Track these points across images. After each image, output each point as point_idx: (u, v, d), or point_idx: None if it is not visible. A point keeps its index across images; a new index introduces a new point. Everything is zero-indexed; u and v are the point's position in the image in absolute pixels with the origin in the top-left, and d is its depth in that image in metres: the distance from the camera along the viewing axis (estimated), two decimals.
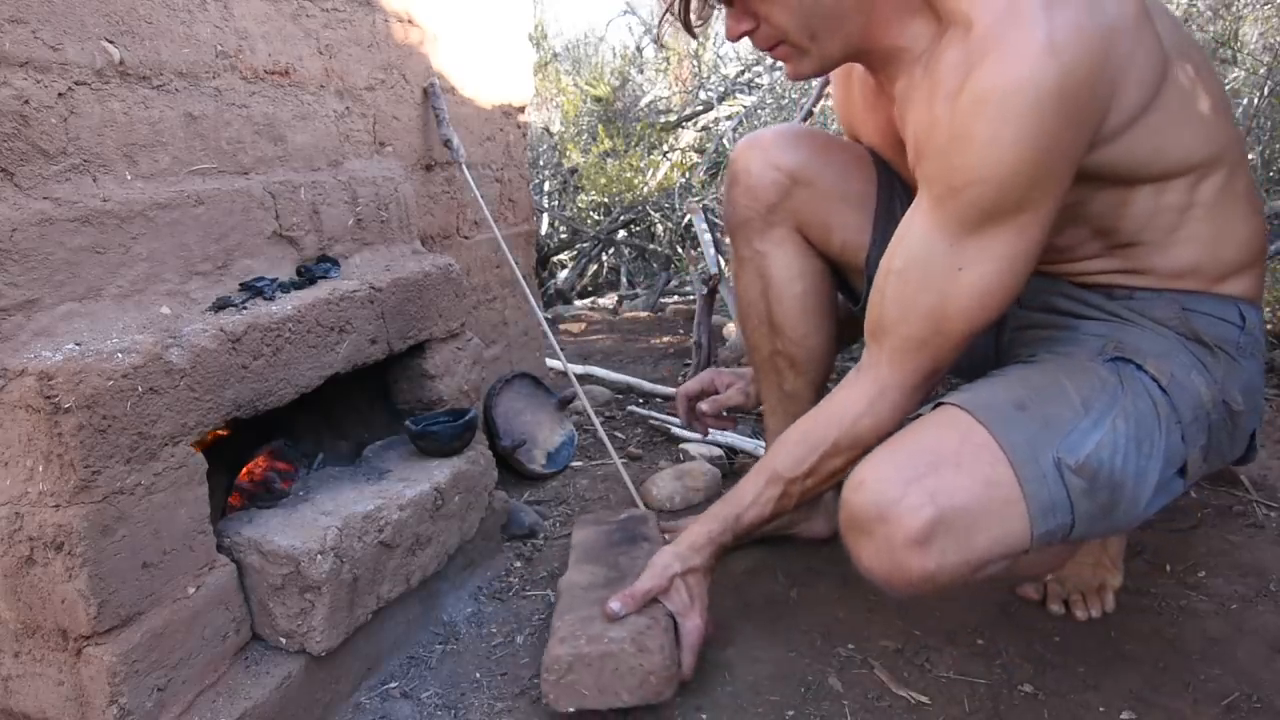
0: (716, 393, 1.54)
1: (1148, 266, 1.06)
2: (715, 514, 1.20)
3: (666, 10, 1.08)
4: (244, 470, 1.23)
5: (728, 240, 1.47)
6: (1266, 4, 3.46)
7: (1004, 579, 1.10)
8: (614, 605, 1.13)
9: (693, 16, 1.07)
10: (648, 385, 2.45)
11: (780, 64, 1.14)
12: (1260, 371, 1.09)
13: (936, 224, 0.97)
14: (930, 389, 1.07)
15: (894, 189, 1.30)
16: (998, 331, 1.25)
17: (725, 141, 4.06)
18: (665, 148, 4.51)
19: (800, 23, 1.03)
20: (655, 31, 1.17)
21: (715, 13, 1.09)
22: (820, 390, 1.44)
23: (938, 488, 0.92)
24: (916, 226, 1.00)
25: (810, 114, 2.61)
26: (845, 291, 1.42)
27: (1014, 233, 0.94)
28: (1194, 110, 0.99)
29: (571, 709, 1.07)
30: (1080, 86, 0.88)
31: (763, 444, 1.90)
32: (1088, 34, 0.88)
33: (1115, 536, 1.30)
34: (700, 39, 1.31)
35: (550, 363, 2.39)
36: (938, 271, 0.98)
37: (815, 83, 2.84)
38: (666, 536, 1.44)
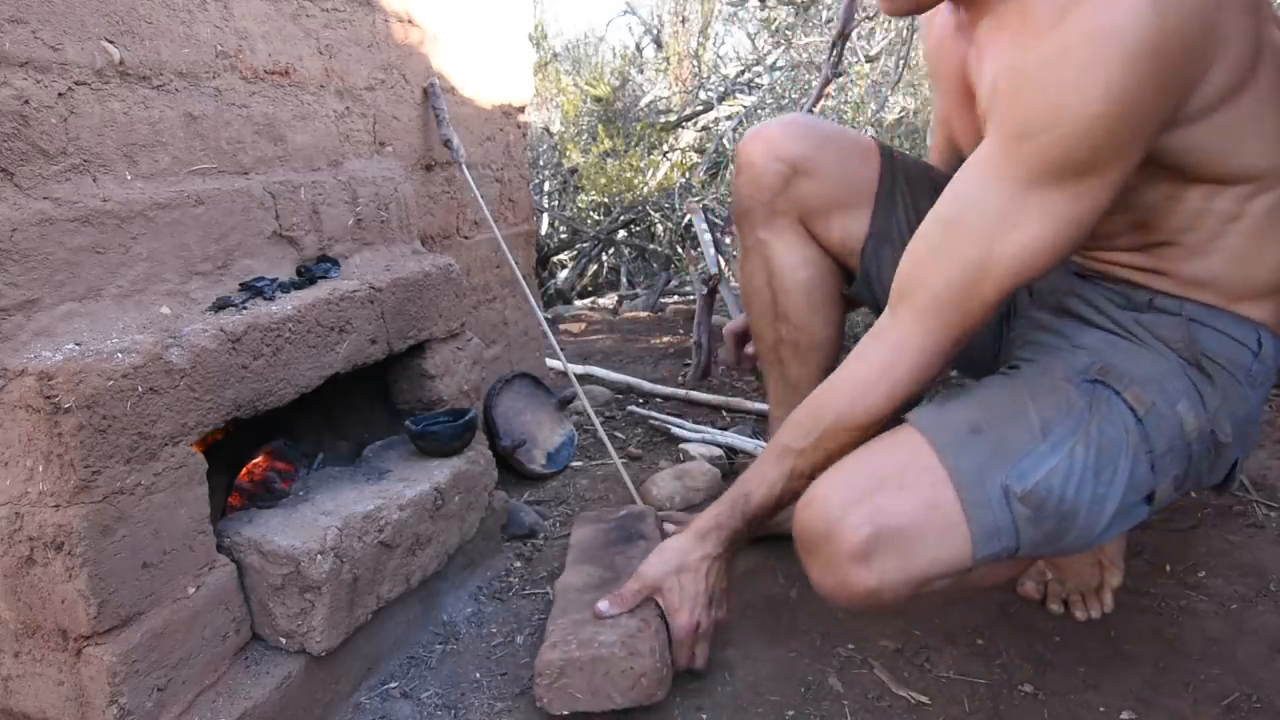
0: None
1: (1175, 270, 1.03)
2: (724, 497, 1.17)
3: None
4: (244, 470, 1.23)
5: (728, 239, 1.47)
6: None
7: (958, 591, 1.08)
8: (602, 606, 1.13)
9: None
10: (648, 385, 2.45)
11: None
12: (1261, 404, 1.06)
13: (1000, 171, 0.92)
14: (948, 362, 1.01)
15: (896, 180, 1.30)
16: (1003, 328, 1.24)
17: (725, 141, 4.06)
18: (665, 148, 4.51)
19: None
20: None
21: None
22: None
23: (878, 508, 0.94)
24: (977, 172, 0.94)
25: (810, 114, 2.61)
26: (850, 283, 1.41)
27: (1076, 195, 0.88)
28: (1269, 119, 0.95)
29: (565, 712, 1.08)
30: (1179, 44, 0.83)
31: (761, 444, 1.90)
32: None
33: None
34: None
35: (550, 363, 2.39)
36: (991, 222, 0.92)
37: (815, 83, 2.84)
38: (669, 528, 1.44)
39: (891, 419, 1.03)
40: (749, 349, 1.52)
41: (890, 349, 1.01)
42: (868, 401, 1.02)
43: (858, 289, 1.33)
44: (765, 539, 1.48)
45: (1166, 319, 1.03)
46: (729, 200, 3.48)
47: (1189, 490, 1.10)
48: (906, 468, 0.96)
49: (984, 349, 1.25)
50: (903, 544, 0.94)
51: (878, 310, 1.33)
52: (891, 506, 0.94)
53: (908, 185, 1.30)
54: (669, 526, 1.46)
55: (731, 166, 3.96)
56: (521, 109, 2.14)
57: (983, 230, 0.93)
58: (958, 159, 1.08)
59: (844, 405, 1.04)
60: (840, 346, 1.43)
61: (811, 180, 1.30)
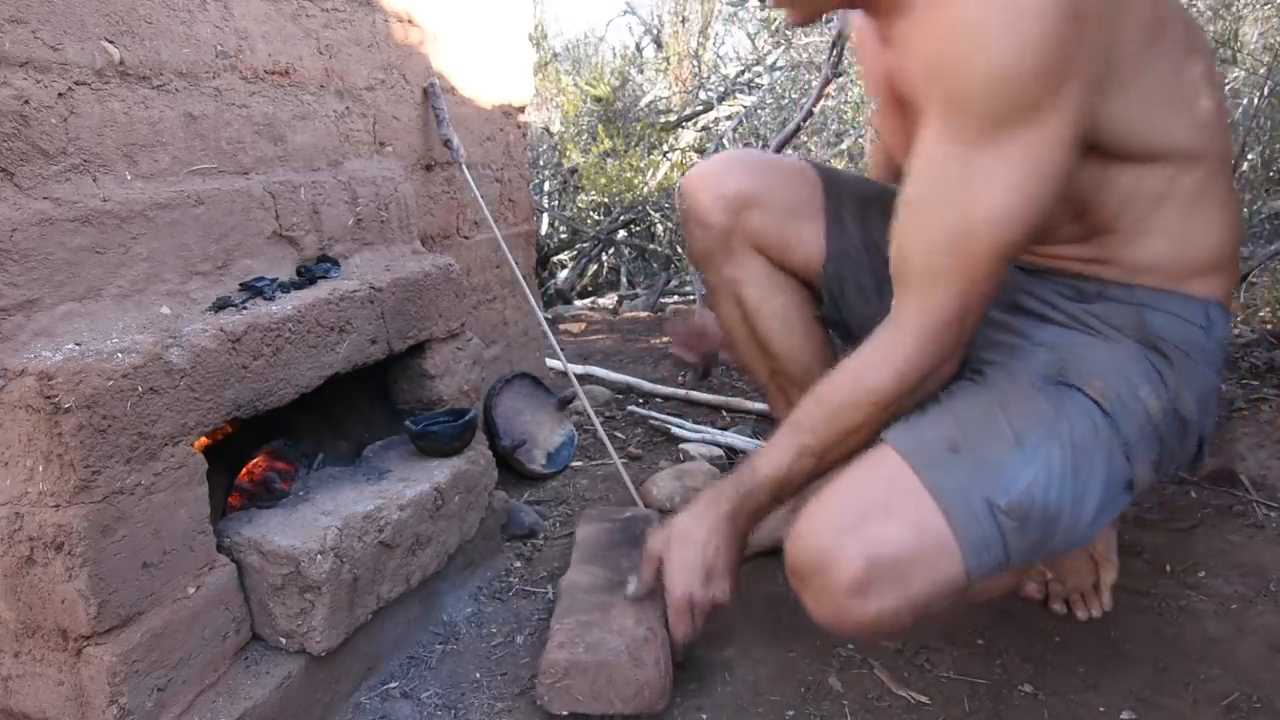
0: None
1: (1118, 257, 1.04)
2: (730, 473, 1.15)
3: None
4: (244, 470, 1.24)
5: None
6: (1266, 4, 3.46)
7: (957, 608, 1.08)
8: (631, 590, 1.20)
9: None
10: (648, 385, 2.45)
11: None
12: (1217, 379, 1.08)
13: (947, 138, 0.92)
14: (959, 344, 0.99)
15: (841, 198, 1.32)
16: None
17: (725, 141, 4.06)
18: (665, 148, 4.51)
19: None
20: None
21: None
22: None
23: (870, 538, 0.93)
24: (926, 150, 0.95)
25: (810, 114, 2.61)
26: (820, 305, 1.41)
27: (1028, 142, 0.88)
28: (1187, 96, 0.97)
29: (565, 712, 1.09)
30: None
31: (762, 445, 1.90)
32: None
33: (1105, 531, 1.29)
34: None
35: (550, 363, 2.39)
36: (954, 185, 0.92)
37: (815, 83, 2.84)
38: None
39: (906, 400, 1.01)
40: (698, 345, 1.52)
41: (895, 328, 1.00)
42: (877, 376, 1.00)
43: (827, 311, 1.34)
44: (775, 550, 1.49)
45: (1117, 307, 1.05)
46: None
47: (1167, 472, 1.12)
48: (891, 493, 0.96)
49: None
50: (897, 572, 0.93)
51: (847, 332, 1.34)
52: (882, 535, 0.94)
53: (852, 200, 1.31)
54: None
55: None
56: (521, 109, 2.14)
57: (949, 198, 0.93)
58: (896, 173, 1.07)
59: (853, 383, 1.03)
60: (831, 363, 1.43)
61: (760, 211, 1.31)
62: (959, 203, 0.93)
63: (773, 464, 1.07)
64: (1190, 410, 1.03)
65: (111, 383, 0.88)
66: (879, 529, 0.94)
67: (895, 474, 0.97)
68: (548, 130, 5.40)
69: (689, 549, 1.11)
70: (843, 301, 1.29)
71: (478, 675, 1.23)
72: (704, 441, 1.99)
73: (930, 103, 0.94)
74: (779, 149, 2.86)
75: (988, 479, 0.95)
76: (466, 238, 1.89)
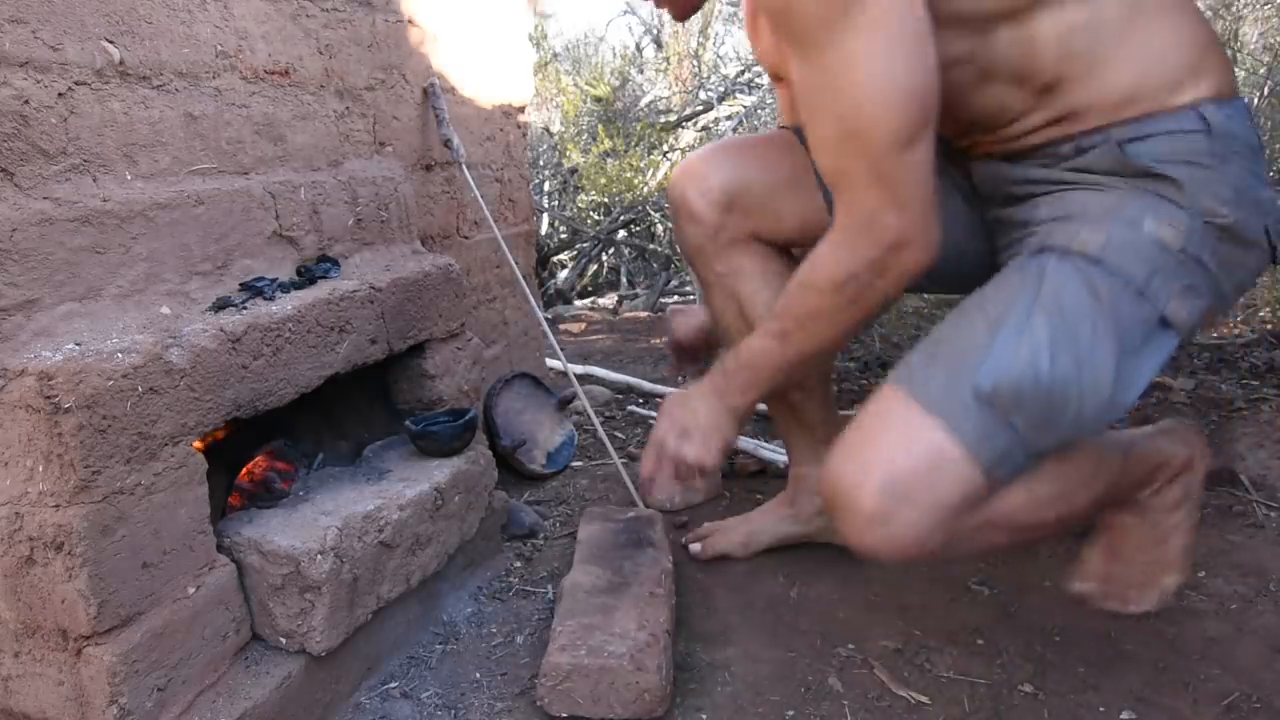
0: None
1: (1081, 105, 1.01)
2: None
3: None
4: (244, 470, 1.23)
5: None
6: (1266, 4, 3.46)
7: (1015, 539, 1.06)
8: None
9: None
10: (648, 385, 2.45)
11: None
12: (1251, 169, 1.01)
13: (801, 57, 0.96)
14: (902, 228, 0.99)
15: None
16: (990, 240, 1.23)
17: None
18: (665, 148, 4.51)
19: None
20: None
21: None
22: (826, 384, 1.44)
23: (867, 461, 0.96)
24: (795, 78, 0.98)
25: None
26: None
27: (858, 28, 0.90)
28: None
29: (565, 715, 1.09)
30: None
31: (761, 443, 1.90)
32: None
33: (1177, 534, 1.23)
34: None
35: (550, 363, 2.39)
36: (824, 94, 0.96)
37: None
38: (691, 544, 1.50)
39: (865, 288, 1.03)
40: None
41: (835, 228, 1.03)
42: (825, 265, 1.04)
43: None
44: (774, 549, 1.50)
45: (1095, 153, 1.02)
46: None
47: (1240, 289, 1.06)
48: (886, 418, 0.99)
49: (975, 266, 1.24)
50: (903, 488, 0.94)
51: None
52: (879, 456, 0.96)
53: None
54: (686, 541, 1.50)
55: None
56: (521, 109, 2.14)
57: (824, 107, 0.96)
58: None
59: (809, 272, 1.06)
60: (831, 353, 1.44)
61: (748, 197, 1.31)
62: (830, 107, 0.95)
63: (746, 346, 1.14)
64: (1223, 214, 0.97)
65: (111, 383, 0.88)
66: (875, 451, 0.97)
67: (884, 399, 1.00)
68: (548, 130, 5.40)
69: (675, 410, 1.18)
70: None
71: (478, 675, 1.23)
72: None
73: (780, 38, 0.98)
74: None
75: (969, 371, 0.95)
76: (466, 238, 1.89)
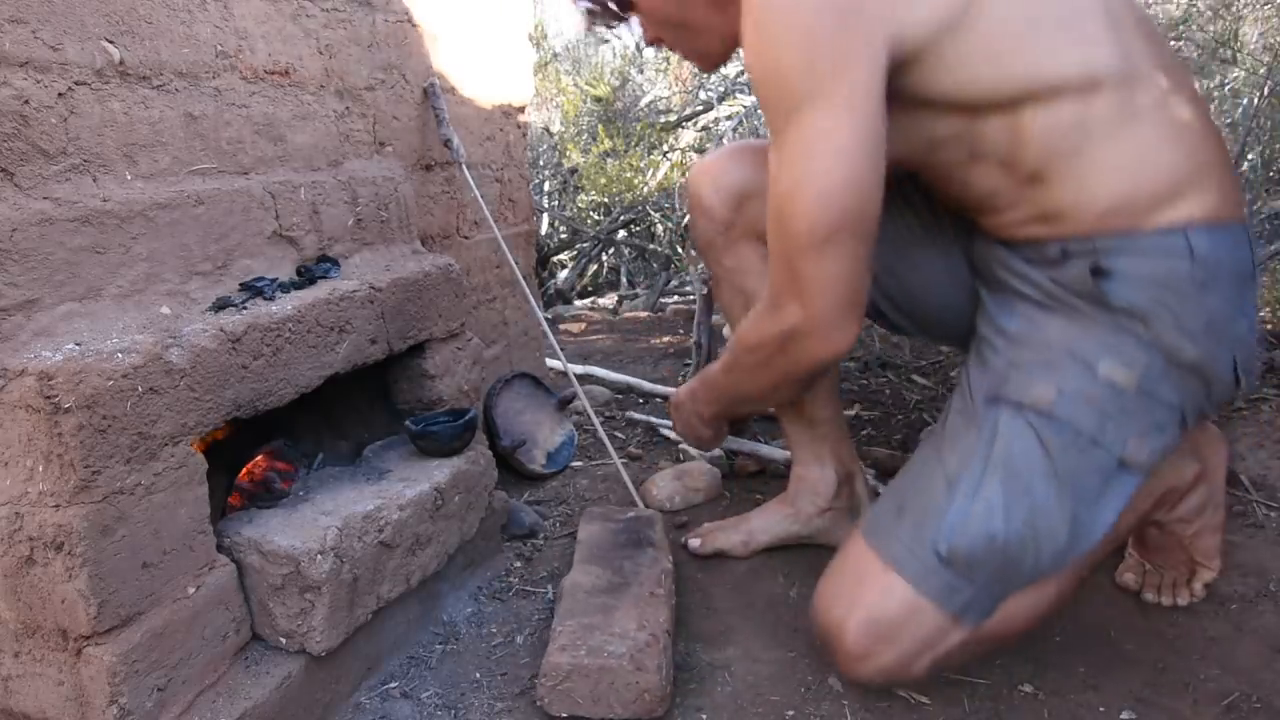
0: None
1: (1066, 206, 1.01)
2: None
3: (588, 13, 1.22)
4: (244, 470, 1.23)
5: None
6: (1266, 4, 3.46)
7: (1002, 642, 1.12)
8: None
9: (607, 24, 1.23)
10: (648, 385, 2.45)
11: None
12: (1234, 299, 1.00)
13: (769, 124, 1.02)
14: (812, 315, 1.05)
15: None
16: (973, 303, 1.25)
17: (725, 141, 4.06)
18: (665, 148, 4.51)
19: (675, 36, 1.18)
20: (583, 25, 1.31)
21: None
22: (832, 383, 1.45)
23: (849, 608, 1.05)
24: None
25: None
26: None
27: (805, 128, 0.95)
28: (1036, 26, 0.97)
29: (565, 715, 1.09)
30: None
31: (759, 443, 1.90)
32: None
33: (1203, 536, 1.28)
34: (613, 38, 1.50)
35: (550, 363, 2.39)
36: (774, 165, 1.01)
37: None
38: (690, 539, 1.53)
39: (759, 349, 1.15)
40: None
41: (765, 300, 1.12)
42: (746, 319, 1.18)
43: None
44: (774, 549, 1.50)
45: (1072, 268, 1.02)
46: None
47: (1203, 416, 1.08)
48: (859, 568, 1.08)
49: (956, 321, 1.27)
50: (883, 632, 1.03)
51: (872, 308, 1.36)
52: (860, 604, 1.05)
53: None
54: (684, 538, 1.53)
55: None
56: (521, 109, 2.14)
57: (771, 175, 1.03)
58: None
59: (745, 325, 1.19)
60: None
61: (760, 199, 1.31)
62: (771, 185, 1.02)
63: (711, 367, 1.33)
64: (1188, 352, 0.98)
65: (111, 383, 0.88)
66: (857, 598, 1.06)
67: (860, 551, 1.09)
68: (548, 130, 5.40)
69: (678, 395, 1.45)
70: None
71: (478, 675, 1.23)
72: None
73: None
74: None
75: (929, 530, 1.02)
76: (466, 238, 1.89)
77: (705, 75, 4.92)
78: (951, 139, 1.04)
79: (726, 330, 2.91)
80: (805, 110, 0.95)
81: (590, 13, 1.24)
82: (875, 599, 1.04)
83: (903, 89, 0.99)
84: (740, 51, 1.11)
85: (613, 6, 1.20)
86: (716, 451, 1.93)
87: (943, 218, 1.26)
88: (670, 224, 4.38)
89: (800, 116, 0.95)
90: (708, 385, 1.35)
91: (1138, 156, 0.97)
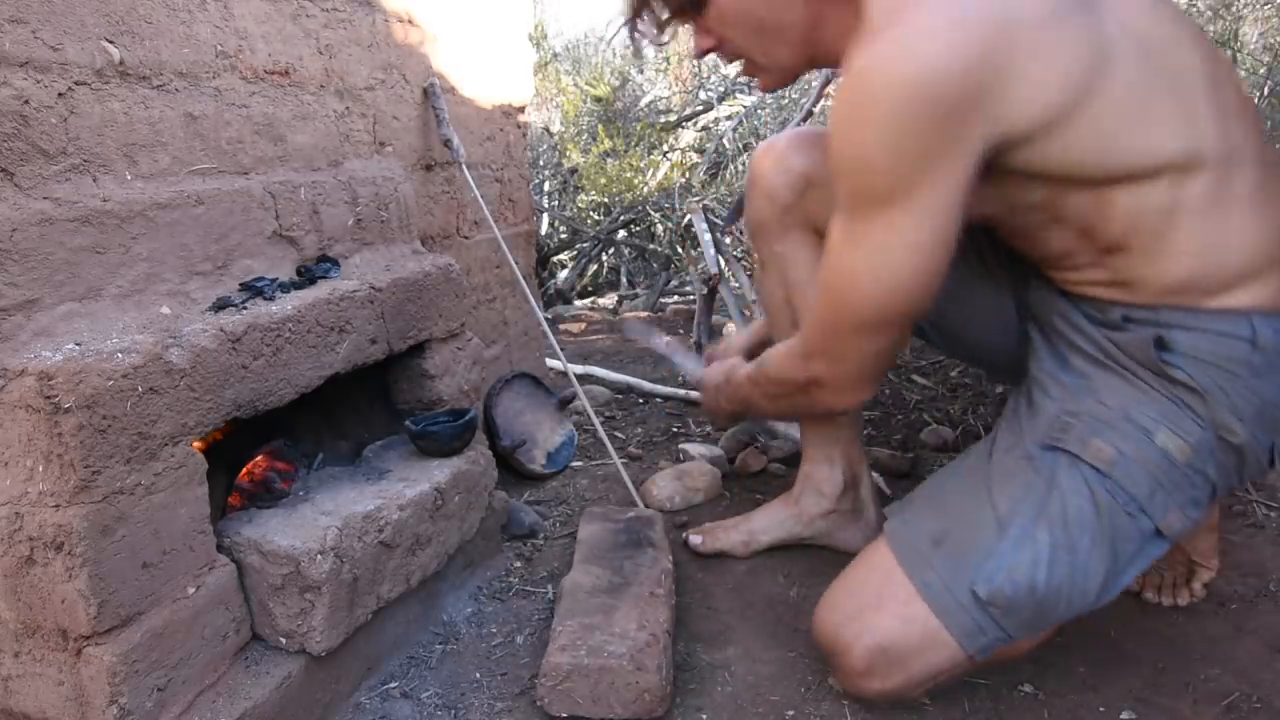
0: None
1: (1139, 278, 1.01)
2: (739, 367, 1.39)
3: (632, 21, 1.15)
4: (244, 470, 1.23)
5: (728, 239, 1.52)
6: (1266, 4, 3.46)
7: (1001, 660, 1.13)
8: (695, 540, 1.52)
9: (657, 32, 1.14)
10: (647, 385, 2.45)
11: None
12: None
13: (837, 206, 1.01)
14: (835, 379, 1.11)
15: None
16: (1020, 341, 1.24)
17: (725, 141, 4.06)
18: (665, 148, 4.51)
19: (750, 42, 1.10)
20: (626, 38, 1.25)
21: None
22: None
23: (863, 628, 1.05)
24: (835, 215, 1.03)
25: (810, 114, 2.61)
26: None
27: (884, 226, 0.95)
28: (1151, 104, 0.94)
29: (565, 715, 1.09)
30: (948, 80, 0.87)
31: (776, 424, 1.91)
32: (966, 27, 0.87)
33: (1205, 533, 1.29)
34: (667, 46, 1.40)
35: (550, 363, 2.39)
36: (830, 251, 1.02)
37: (815, 82, 2.84)
38: (692, 536, 1.53)
39: (783, 385, 1.21)
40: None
41: (796, 339, 1.16)
42: (776, 349, 1.24)
43: None
44: (775, 549, 1.50)
45: (1135, 336, 1.02)
46: (729, 200, 3.48)
47: (1229, 491, 1.11)
48: (883, 588, 1.07)
49: (1004, 355, 1.27)
50: (894, 657, 1.04)
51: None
52: (874, 626, 1.05)
53: None
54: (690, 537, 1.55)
55: (730, 167, 3.96)
56: (521, 109, 2.14)
57: (827, 256, 1.03)
58: None
59: (771, 352, 1.26)
60: None
61: (824, 190, 1.28)
62: (833, 258, 1.03)
63: (742, 372, 1.34)
64: (1237, 435, 0.99)
65: (111, 383, 0.88)
66: (871, 620, 1.06)
67: (886, 571, 1.08)
68: (548, 130, 5.40)
69: (712, 373, 1.48)
70: None
71: (478, 675, 1.23)
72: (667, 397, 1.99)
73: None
74: None
75: (970, 569, 1.02)
76: (466, 238, 1.89)
77: (705, 75, 4.92)
78: (1036, 206, 1.02)
79: (728, 328, 2.92)
80: (887, 207, 0.94)
81: (648, 9, 1.13)
82: (893, 625, 1.04)
83: (997, 164, 0.96)
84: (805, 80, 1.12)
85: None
86: (718, 451, 1.93)
87: (999, 255, 1.24)
88: (670, 224, 4.38)
89: (880, 211, 0.94)
90: (733, 387, 1.37)
91: (1219, 240, 0.97)
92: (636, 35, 1.16)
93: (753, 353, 1.51)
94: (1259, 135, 1.02)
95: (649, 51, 5.50)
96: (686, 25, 1.13)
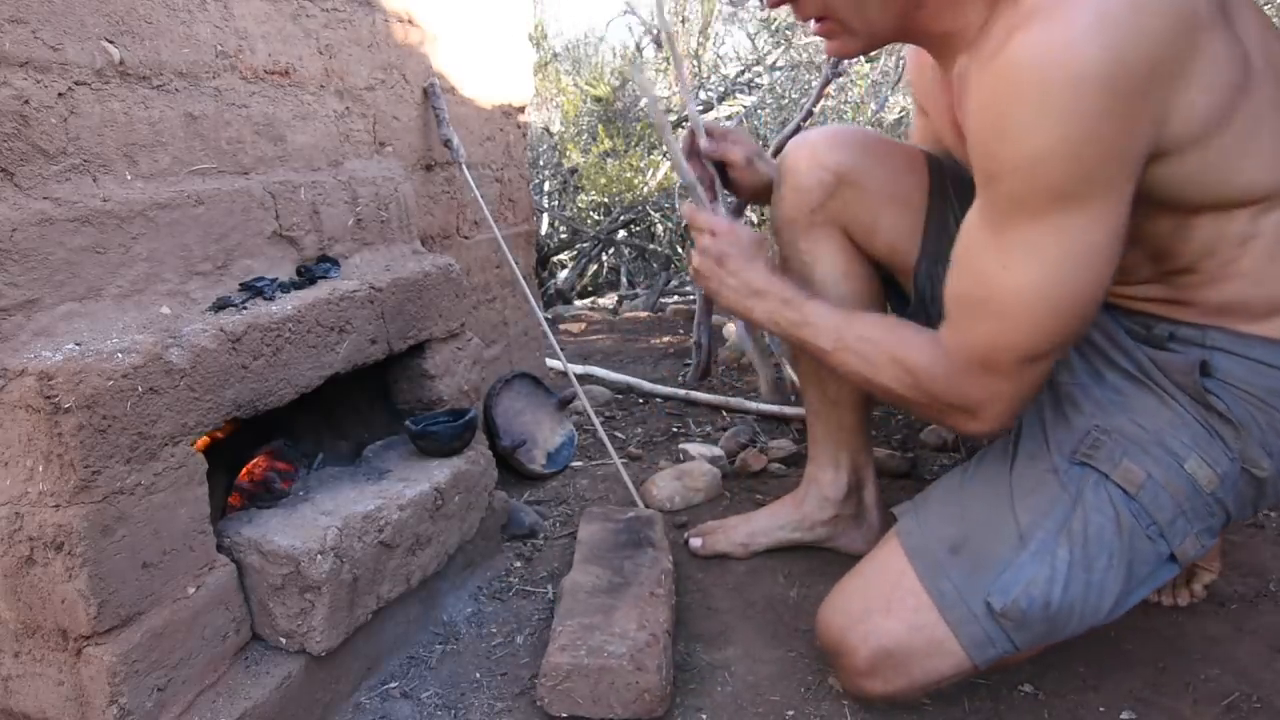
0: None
1: (1196, 299, 1.00)
2: (784, 284, 1.17)
3: None
4: (244, 470, 1.23)
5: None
6: (1267, 4, 3.45)
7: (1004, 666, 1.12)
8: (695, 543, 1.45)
9: None
10: (647, 385, 2.45)
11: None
12: None
13: (981, 212, 0.92)
14: (983, 398, 0.99)
15: (947, 192, 1.28)
16: None
17: None
18: (665, 148, 4.51)
19: None
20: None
21: None
22: (865, 398, 1.41)
23: (869, 631, 1.05)
24: (970, 213, 0.95)
25: (810, 114, 2.61)
26: (893, 294, 1.39)
27: (1058, 230, 0.86)
28: (1266, 134, 0.90)
29: (565, 715, 1.09)
30: (1133, 68, 0.80)
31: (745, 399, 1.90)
32: (1150, 11, 0.80)
33: None
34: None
35: (550, 363, 2.39)
36: (983, 265, 0.93)
37: (815, 83, 2.84)
38: (692, 539, 1.51)
39: (911, 393, 1.04)
40: (703, 142, 1.35)
41: (940, 343, 1.01)
42: (907, 354, 1.03)
43: (914, 313, 1.30)
44: (775, 550, 1.50)
45: (1179, 359, 1.00)
46: (729, 200, 3.47)
47: (1245, 519, 1.11)
48: (894, 591, 1.05)
49: None
50: (898, 661, 1.03)
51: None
52: (881, 629, 1.04)
53: (957, 197, 1.27)
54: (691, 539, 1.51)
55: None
56: (521, 109, 2.14)
57: (978, 273, 0.94)
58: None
59: (894, 340, 1.05)
60: None
61: (856, 190, 1.28)
62: (985, 283, 0.93)
63: (814, 310, 1.12)
64: (1263, 468, 0.98)
65: (111, 383, 0.88)
66: (879, 622, 1.04)
67: (898, 574, 1.06)
68: (548, 130, 5.40)
69: (747, 247, 1.18)
70: (933, 304, 1.24)
71: (478, 675, 1.23)
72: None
73: (973, 162, 0.93)
74: (778, 150, 2.87)
75: (987, 580, 1.00)
76: (466, 238, 1.89)
77: (705, 75, 4.92)
78: None
79: (728, 329, 2.92)
80: (1068, 210, 0.85)
81: None
82: (900, 630, 1.03)
83: None
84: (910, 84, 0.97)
85: None
86: (718, 451, 1.92)
87: None
88: (670, 224, 4.38)
89: (1052, 215, 0.86)
90: (798, 313, 1.13)
91: (1277, 267, 0.96)
92: None
93: (757, 194, 1.40)
94: None
95: (649, 51, 5.50)
96: None
